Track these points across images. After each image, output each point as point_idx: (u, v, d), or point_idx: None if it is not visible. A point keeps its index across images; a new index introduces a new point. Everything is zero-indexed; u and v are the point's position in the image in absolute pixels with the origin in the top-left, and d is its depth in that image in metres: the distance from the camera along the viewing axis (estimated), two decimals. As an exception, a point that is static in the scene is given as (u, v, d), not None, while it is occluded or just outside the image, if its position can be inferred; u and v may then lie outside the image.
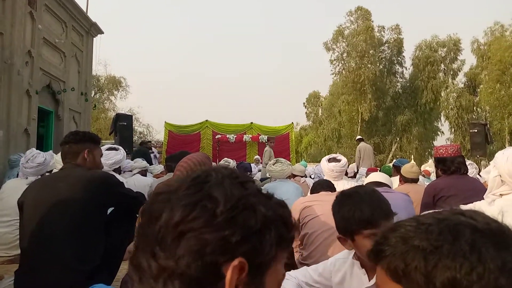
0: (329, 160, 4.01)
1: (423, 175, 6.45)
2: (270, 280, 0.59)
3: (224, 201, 0.55)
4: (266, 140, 9.86)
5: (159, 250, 0.53)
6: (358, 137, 12.03)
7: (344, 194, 1.50)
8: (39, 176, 3.95)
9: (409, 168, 4.05)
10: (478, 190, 2.88)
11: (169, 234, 0.53)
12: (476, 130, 11.33)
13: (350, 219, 1.40)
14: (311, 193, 2.92)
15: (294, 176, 5.57)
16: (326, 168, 3.96)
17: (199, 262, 0.53)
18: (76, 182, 2.11)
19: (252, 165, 9.40)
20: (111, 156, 4.18)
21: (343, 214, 1.44)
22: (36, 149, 4.40)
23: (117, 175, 3.80)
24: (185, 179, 0.59)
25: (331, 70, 26.46)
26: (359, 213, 1.37)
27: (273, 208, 0.60)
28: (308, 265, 2.67)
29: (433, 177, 5.98)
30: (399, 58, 27.27)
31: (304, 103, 32.85)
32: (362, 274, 1.51)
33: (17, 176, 4.89)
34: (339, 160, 3.99)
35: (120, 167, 4.64)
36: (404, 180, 4.03)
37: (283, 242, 0.60)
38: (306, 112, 32.87)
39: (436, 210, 0.64)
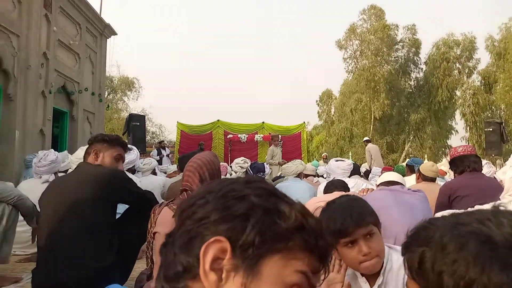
0: (336, 160, 4.67)
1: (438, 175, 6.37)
2: (269, 273, 0.56)
3: (218, 191, 0.60)
4: (271, 139, 9.86)
5: (171, 240, 0.62)
6: (366, 138, 12.06)
7: (325, 206, 1.52)
8: (53, 174, 4.03)
9: (429, 166, 4.02)
10: (494, 190, 2.84)
11: (177, 224, 0.62)
12: (491, 129, 11.14)
13: (326, 230, 1.40)
14: (325, 192, 2.91)
15: (306, 176, 5.56)
16: (334, 166, 4.50)
17: (187, 242, 0.58)
18: (84, 179, 2.15)
19: (266, 165, 9.42)
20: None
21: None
22: (51, 149, 4.47)
23: (131, 175, 3.83)
24: None
25: (345, 68, 26.34)
26: (332, 224, 1.38)
27: (271, 201, 0.59)
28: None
29: (447, 177, 5.90)
30: (415, 58, 27.03)
31: (317, 101, 32.65)
32: (363, 283, 1.50)
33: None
34: (343, 160, 4.69)
35: (134, 167, 4.69)
36: (423, 178, 3.98)
37: (277, 233, 0.57)
38: (318, 111, 32.69)
39: (479, 208, 0.65)
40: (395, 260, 1.46)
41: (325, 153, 17.68)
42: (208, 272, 0.55)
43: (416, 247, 0.60)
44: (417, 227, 0.63)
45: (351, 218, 1.38)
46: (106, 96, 19.96)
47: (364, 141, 11.90)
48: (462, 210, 0.64)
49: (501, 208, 0.59)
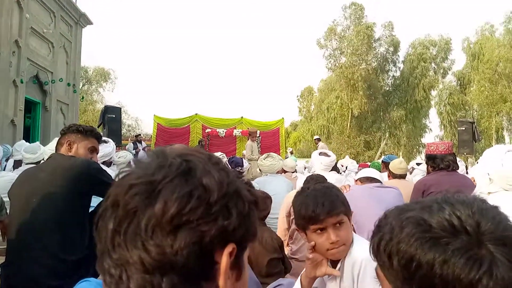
0: (320, 154, 4.34)
1: (410, 172, 6.51)
2: (244, 258, 0.60)
3: (217, 189, 0.55)
4: (249, 134, 9.92)
5: (152, 245, 0.51)
6: (316, 137, 12.64)
7: (299, 190, 1.58)
8: None
9: (397, 164, 4.10)
10: (467, 187, 2.91)
11: (163, 228, 0.52)
12: (464, 128, 11.49)
13: (298, 215, 1.48)
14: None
15: (285, 171, 5.57)
16: (316, 161, 4.30)
17: (197, 254, 0.53)
18: (55, 170, 2.08)
19: (244, 160, 9.40)
20: (101, 149, 4.12)
21: (295, 209, 1.52)
22: (23, 140, 4.33)
23: (106, 168, 3.75)
24: (164, 169, 0.55)
25: (326, 66, 26.68)
26: (304, 209, 1.43)
27: (249, 190, 0.62)
28: (297, 259, 2.67)
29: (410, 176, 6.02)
30: (393, 57, 27.60)
31: (297, 96, 32.87)
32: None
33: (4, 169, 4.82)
34: (328, 156, 4.32)
35: (110, 159, 4.59)
36: (392, 176, 4.08)
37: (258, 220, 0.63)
38: (298, 107, 32.92)
39: (430, 197, 0.70)
40: (355, 249, 1.50)
41: (290, 148, 17.90)
42: None
43: (376, 234, 0.68)
44: (379, 218, 0.70)
45: (323, 206, 1.42)
46: (80, 87, 19.50)
47: (315, 140, 12.35)
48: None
49: (453, 196, 0.65)
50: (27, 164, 4.22)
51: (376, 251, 0.67)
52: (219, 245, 0.55)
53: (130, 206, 0.52)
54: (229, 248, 0.56)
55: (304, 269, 1.51)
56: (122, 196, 0.53)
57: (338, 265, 1.49)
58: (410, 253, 0.59)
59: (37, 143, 4.54)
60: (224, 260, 0.55)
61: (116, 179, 0.57)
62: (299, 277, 1.53)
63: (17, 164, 5.17)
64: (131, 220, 0.52)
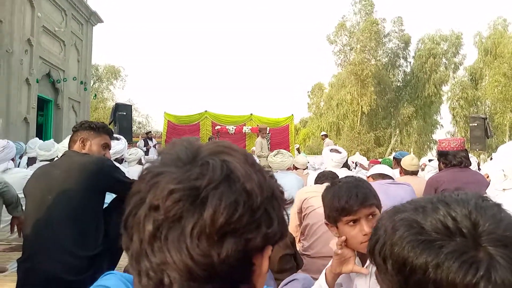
0: (331, 150, 4.32)
1: (422, 169, 6.46)
2: None
3: (259, 194, 0.55)
4: (259, 131, 9.90)
5: (198, 253, 0.51)
6: (323, 133, 12.94)
7: (329, 185, 1.58)
8: (11, 161, 3.88)
9: (409, 160, 4.08)
10: (480, 184, 2.88)
11: (211, 236, 0.51)
12: (476, 124, 11.34)
13: (330, 207, 1.48)
14: (315, 183, 2.92)
15: (296, 168, 5.57)
16: (327, 157, 4.28)
17: (240, 260, 0.53)
18: (70, 168, 2.11)
19: (254, 156, 9.37)
20: (113, 146, 4.16)
21: (326, 202, 1.52)
22: (36, 137, 4.38)
23: (118, 165, 3.79)
24: (207, 173, 0.53)
25: (335, 61, 26.57)
26: (336, 201, 1.44)
27: (278, 188, 0.61)
28: (309, 255, 2.67)
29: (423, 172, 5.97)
30: (404, 52, 27.36)
31: (308, 92, 32.75)
32: (357, 263, 1.52)
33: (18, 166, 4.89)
34: (340, 152, 4.29)
35: (121, 156, 4.64)
36: (404, 172, 4.07)
37: None
38: (308, 103, 32.80)
39: (423, 196, 0.68)
40: None
41: (297, 144, 17.89)
42: None
43: (372, 236, 0.66)
44: (377, 219, 0.69)
45: (356, 197, 1.42)
46: (91, 85, 19.68)
47: (321, 136, 12.33)
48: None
49: (450, 195, 0.62)
50: (41, 161, 4.28)
51: (372, 253, 0.65)
52: (259, 249, 0.56)
53: (173, 212, 0.51)
54: (268, 252, 0.57)
55: (330, 263, 1.49)
56: (163, 200, 0.52)
57: (367, 262, 1.46)
58: (403, 257, 0.57)
59: (51, 140, 4.60)
60: (266, 264, 0.57)
61: (143, 175, 0.56)
62: (323, 271, 1.52)
63: (31, 161, 5.25)
64: (173, 226, 0.51)
